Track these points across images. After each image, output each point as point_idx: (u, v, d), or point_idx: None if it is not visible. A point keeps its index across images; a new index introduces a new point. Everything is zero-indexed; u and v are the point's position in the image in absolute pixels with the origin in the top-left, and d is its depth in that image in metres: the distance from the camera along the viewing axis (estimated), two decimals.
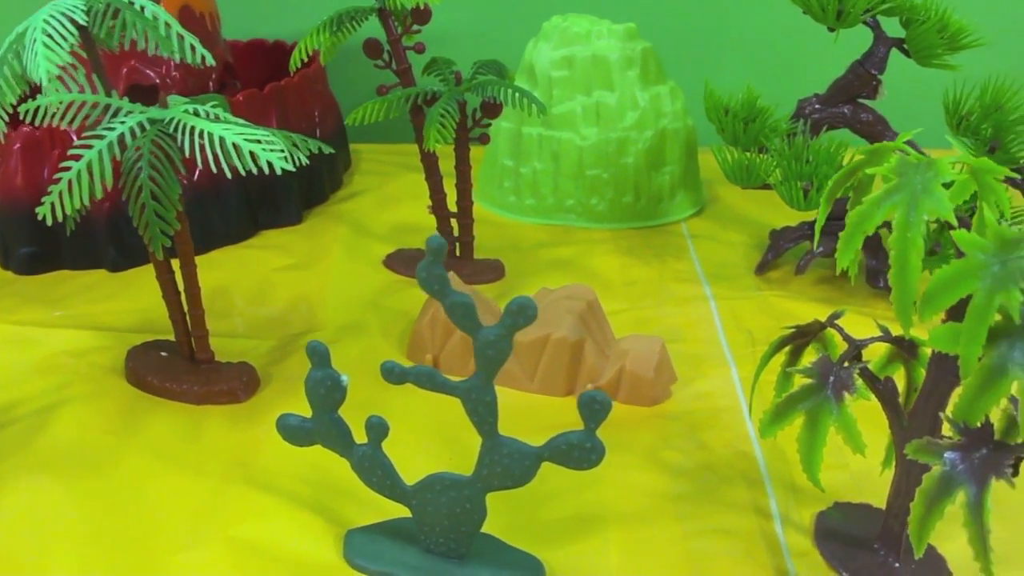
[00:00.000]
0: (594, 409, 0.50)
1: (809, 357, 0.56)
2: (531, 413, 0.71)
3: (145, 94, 0.99)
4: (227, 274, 0.92)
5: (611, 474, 0.64)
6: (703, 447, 0.67)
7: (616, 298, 0.87)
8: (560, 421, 0.70)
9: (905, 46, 0.88)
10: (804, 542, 0.58)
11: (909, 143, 0.88)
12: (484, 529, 0.58)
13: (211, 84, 1.01)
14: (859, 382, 0.53)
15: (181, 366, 0.75)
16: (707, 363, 0.77)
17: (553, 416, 0.71)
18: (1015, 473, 0.49)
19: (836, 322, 0.57)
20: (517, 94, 0.80)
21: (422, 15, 0.83)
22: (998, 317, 0.43)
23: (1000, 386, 0.44)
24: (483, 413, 0.52)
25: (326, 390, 0.54)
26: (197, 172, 0.93)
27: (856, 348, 0.55)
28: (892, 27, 0.89)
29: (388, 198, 1.09)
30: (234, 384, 0.73)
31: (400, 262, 0.92)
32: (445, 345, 0.75)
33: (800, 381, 0.54)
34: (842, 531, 0.60)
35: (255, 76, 1.12)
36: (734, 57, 1.30)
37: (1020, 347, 0.44)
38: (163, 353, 0.77)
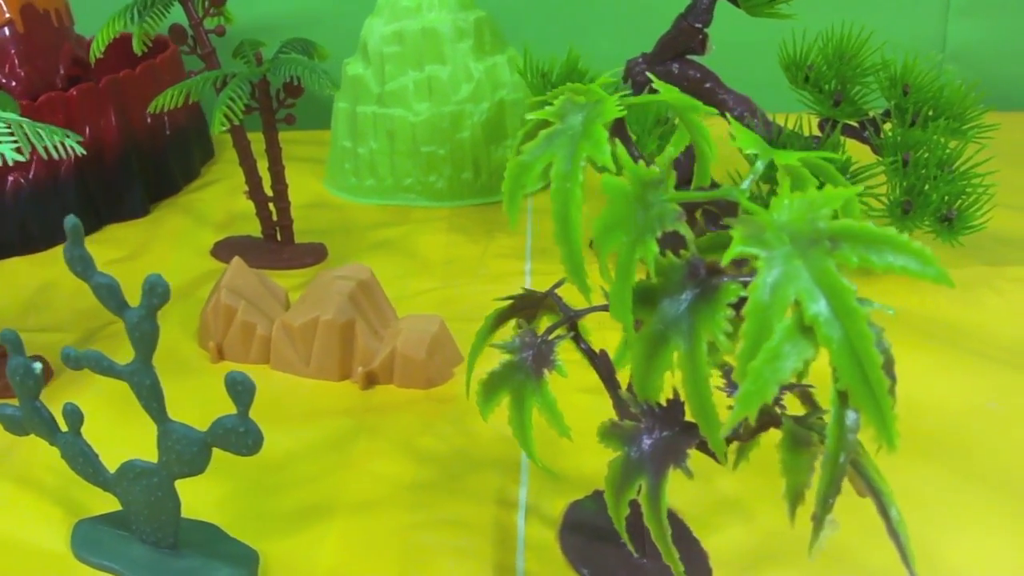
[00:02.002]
0: (238, 391, 0.49)
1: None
2: (306, 398, 0.70)
3: None
4: (59, 271, 0.91)
5: (358, 461, 0.63)
6: (466, 432, 0.65)
7: (432, 277, 0.85)
8: (334, 406, 0.69)
9: None
10: (548, 535, 0.55)
11: (742, 102, 0.86)
12: (213, 518, 0.57)
13: (59, 80, 1.01)
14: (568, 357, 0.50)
15: None
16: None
17: (328, 401, 0.69)
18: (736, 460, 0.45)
19: (555, 291, 0.54)
20: (307, 71, 0.78)
21: None
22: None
23: (663, 356, 0.39)
24: (147, 397, 0.51)
25: (20, 378, 0.53)
26: (33, 169, 0.93)
27: (569, 319, 0.51)
28: None
29: (238, 187, 1.07)
30: None
31: (226, 250, 0.91)
32: (227, 332, 0.74)
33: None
34: (593, 523, 0.55)
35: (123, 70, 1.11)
36: (588, 21, 1.25)
37: (680, 309, 0.38)
38: None
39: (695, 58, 0.85)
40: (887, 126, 0.84)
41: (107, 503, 0.57)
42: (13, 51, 0.98)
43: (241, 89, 0.78)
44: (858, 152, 0.84)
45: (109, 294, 0.49)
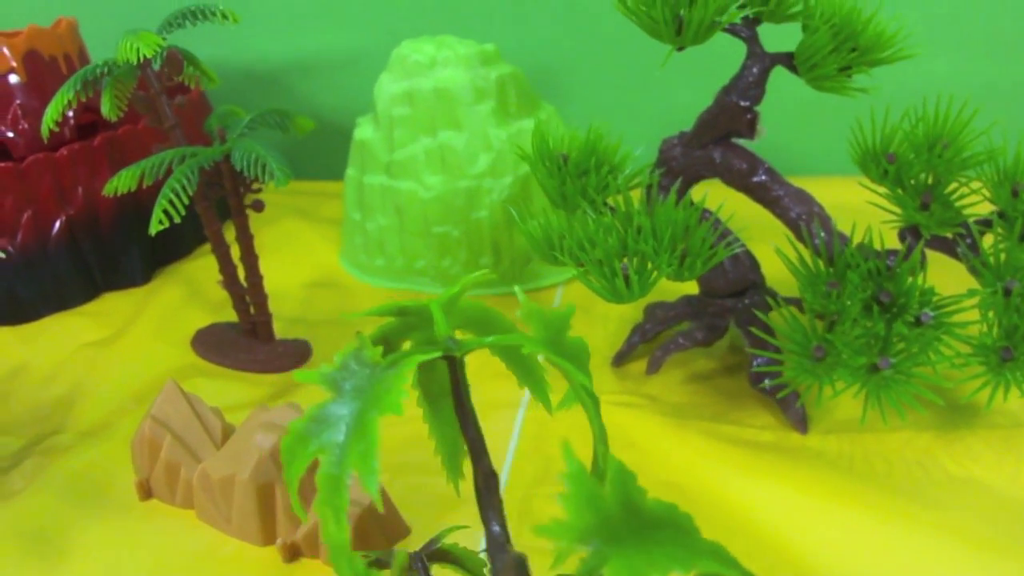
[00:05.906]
0: None
1: None
2: (221, 564, 0.59)
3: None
4: (35, 349, 0.84)
5: None
6: None
7: (413, 396, 0.72)
8: None
9: (794, 62, 0.66)
10: None
11: (801, 201, 0.68)
12: None
13: (67, 131, 0.94)
14: None
15: None
16: (465, 507, 0.61)
17: (242, 570, 0.58)
18: None
19: None
20: (254, 159, 0.66)
21: (173, 64, 0.71)
22: None
23: None
24: None
25: None
26: (20, 235, 0.86)
27: None
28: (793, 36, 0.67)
29: None
30: None
31: (204, 341, 0.80)
32: (153, 468, 0.64)
33: None
34: None
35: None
36: (650, 68, 1.06)
37: None
38: None
39: (742, 142, 0.68)
40: (988, 239, 0.64)
41: None
42: (17, 102, 0.91)
43: (188, 179, 0.66)
44: (953, 273, 0.65)
45: None
